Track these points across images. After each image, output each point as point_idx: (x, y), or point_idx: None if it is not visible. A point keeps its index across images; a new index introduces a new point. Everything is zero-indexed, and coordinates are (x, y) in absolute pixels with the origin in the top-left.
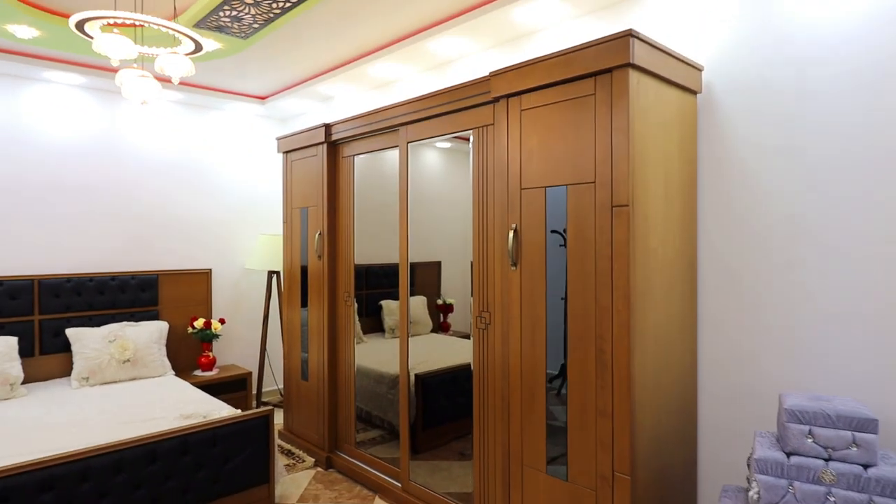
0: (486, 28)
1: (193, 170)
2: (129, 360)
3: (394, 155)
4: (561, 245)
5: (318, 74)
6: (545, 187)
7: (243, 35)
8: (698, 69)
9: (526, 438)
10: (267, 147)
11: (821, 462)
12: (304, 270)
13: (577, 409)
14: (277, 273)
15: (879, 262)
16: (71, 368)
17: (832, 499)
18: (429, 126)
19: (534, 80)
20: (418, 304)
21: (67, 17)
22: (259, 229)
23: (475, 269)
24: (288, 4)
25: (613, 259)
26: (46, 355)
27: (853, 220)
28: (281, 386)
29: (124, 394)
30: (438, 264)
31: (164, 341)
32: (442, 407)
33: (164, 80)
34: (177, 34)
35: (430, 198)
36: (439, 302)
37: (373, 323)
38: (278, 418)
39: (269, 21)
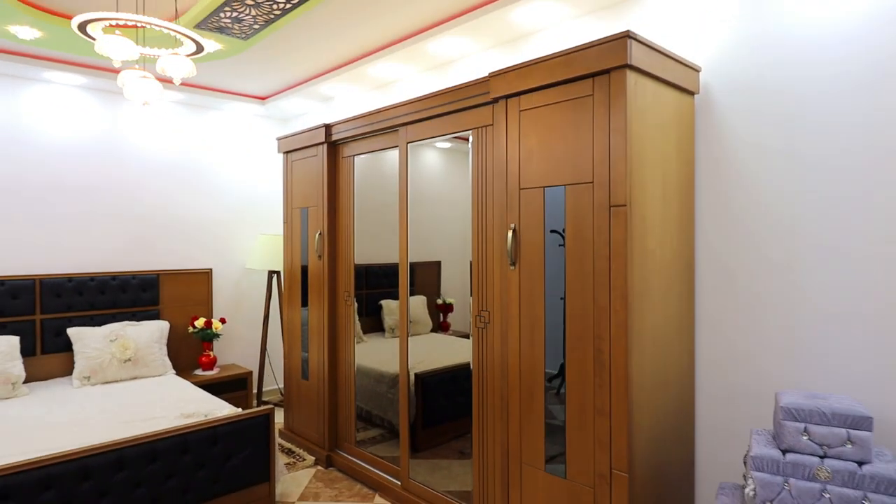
0: (485, 28)
1: (194, 170)
2: (130, 360)
3: (394, 155)
4: (560, 245)
5: (318, 75)
6: (544, 187)
7: (244, 36)
8: (696, 70)
9: (525, 437)
10: (267, 147)
11: (816, 459)
12: (304, 270)
13: (576, 408)
14: (278, 273)
15: (877, 263)
16: (72, 368)
17: (827, 495)
18: (428, 126)
19: (532, 81)
20: (418, 303)
21: (69, 18)
22: (259, 229)
23: (474, 269)
24: (288, 6)
25: (611, 259)
26: (48, 355)
27: (850, 221)
28: (281, 385)
29: (125, 393)
30: (438, 264)
31: (164, 341)
32: (441, 406)
33: (166, 81)
34: (178, 35)
35: (430, 198)
36: (439, 302)
37: (373, 322)
38: (279, 417)
39: (269, 22)
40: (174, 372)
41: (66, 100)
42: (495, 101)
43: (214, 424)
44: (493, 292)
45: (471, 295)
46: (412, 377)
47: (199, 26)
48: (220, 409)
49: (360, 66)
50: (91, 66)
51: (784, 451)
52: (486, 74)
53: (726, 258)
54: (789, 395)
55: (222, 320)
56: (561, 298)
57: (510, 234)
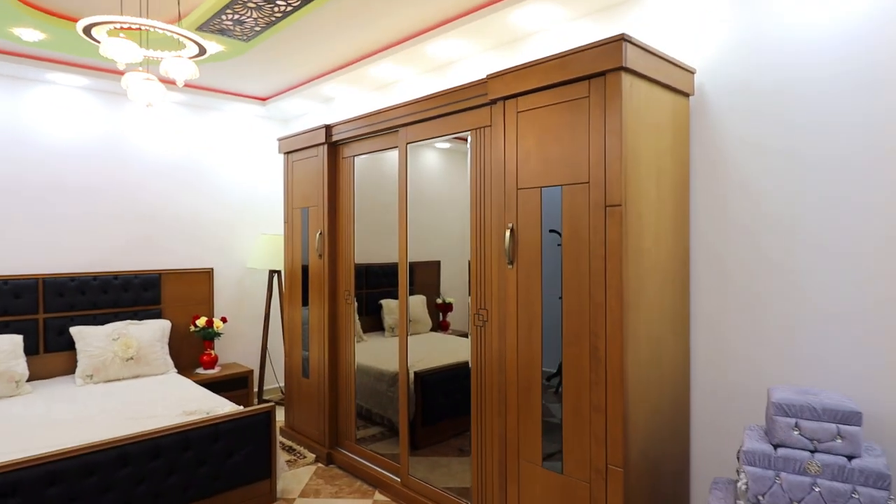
0: (484, 30)
1: (195, 170)
2: (132, 358)
3: (393, 156)
4: (558, 244)
5: (318, 76)
6: (541, 187)
7: (245, 38)
8: (690, 72)
9: (523, 433)
10: (268, 148)
11: (807, 454)
12: (304, 270)
13: (572, 403)
14: (278, 272)
15: (872, 262)
16: (75, 366)
17: (817, 489)
18: (428, 127)
19: (530, 82)
20: (418, 303)
21: (72, 20)
22: (260, 229)
23: (473, 268)
24: (289, 8)
25: (607, 258)
26: (51, 353)
27: (846, 221)
28: (282, 384)
29: (128, 391)
30: (438, 264)
31: (166, 339)
32: (441, 404)
33: (168, 82)
34: (181, 38)
35: (430, 198)
36: (439, 301)
37: (373, 322)
38: (279, 416)
39: (270, 24)
40: (176, 370)
41: (69, 101)
42: (493, 102)
43: (216, 422)
44: (492, 291)
45: (469, 294)
46: (412, 376)
47: (201, 28)
48: (221, 406)
49: (360, 68)
50: (93, 67)
51: (775, 446)
52: (485, 76)
53: (722, 257)
54: (781, 390)
55: (223, 319)
56: (559, 298)
57: (508, 233)
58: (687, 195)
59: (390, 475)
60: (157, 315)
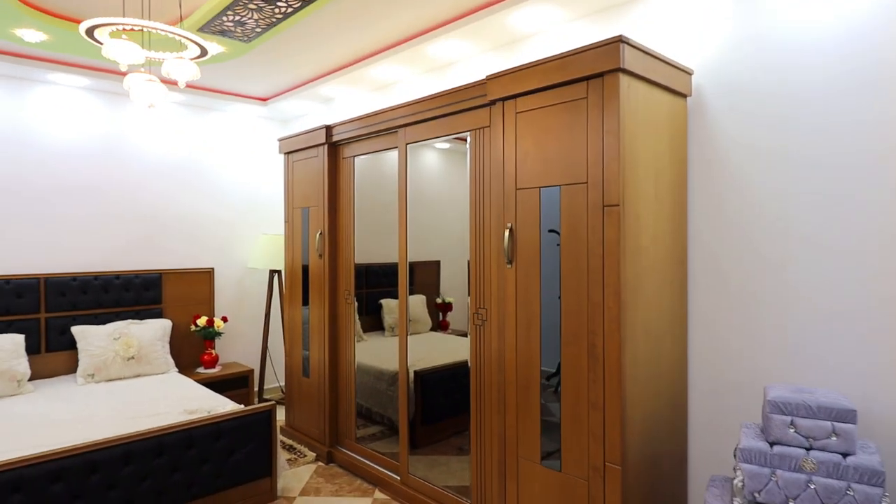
0: (483, 32)
1: (196, 171)
2: (133, 358)
3: (393, 156)
4: (556, 244)
5: (319, 76)
6: (539, 187)
7: (246, 39)
8: (688, 73)
9: (521, 431)
10: (268, 148)
11: (802, 451)
12: (305, 269)
13: (571, 402)
14: (279, 272)
15: (867, 261)
16: (76, 365)
17: (812, 486)
18: (427, 128)
19: (528, 83)
20: (418, 302)
21: (74, 21)
22: (261, 229)
23: (472, 267)
24: (290, 9)
25: (605, 257)
26: (52, 352)
27: (842, 220)
28: (282, 383)
29: (129, 390)
30: (437, 263)
31: (167, 339)
32: (440, 403)
33: (169, 83)
34: (182, 40)
35: (430, 198)
36: (438, 301)
37: (373, 321)
38: (280, 415)
39: (271, 25)
40: (176, 370)
41: (70, 101)
42: (492, 103)
43: (218, 420)
44: (491, 290)
45: (468, 293)
46: (412, 375)
47: (203, 29)
48: (222, 405)
49: (360, 69)
50: (94, 67)
51: (771, 444)
52: (484, 77)
53: (719, 256)
54: (777, 389)
55: (224, 319)
56: (558, 297)
57: (507, 233)
58: (684, 195)
59: (390, 474)
60: (158, 314)
